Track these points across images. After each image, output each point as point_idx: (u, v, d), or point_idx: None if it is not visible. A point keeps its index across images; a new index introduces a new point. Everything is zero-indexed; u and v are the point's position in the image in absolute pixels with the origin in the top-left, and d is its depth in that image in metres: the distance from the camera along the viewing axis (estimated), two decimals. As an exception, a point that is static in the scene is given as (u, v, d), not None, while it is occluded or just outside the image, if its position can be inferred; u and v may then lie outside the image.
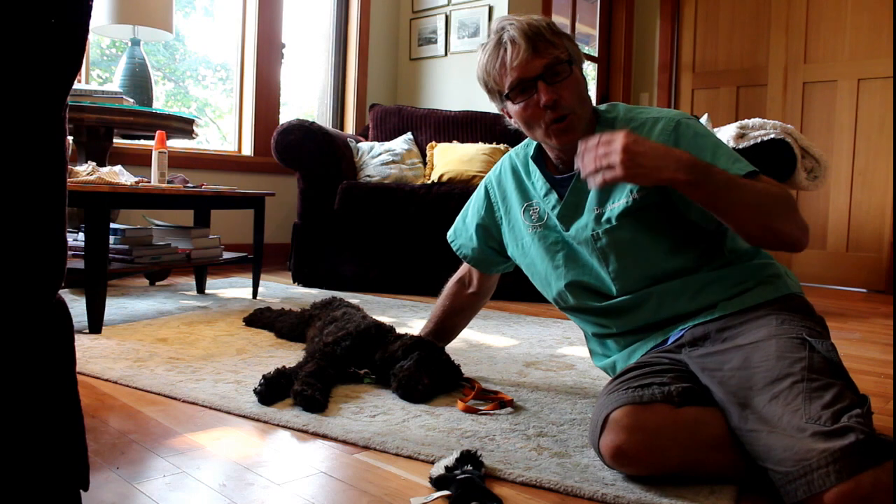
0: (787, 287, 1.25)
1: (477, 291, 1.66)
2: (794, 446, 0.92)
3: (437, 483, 1.03)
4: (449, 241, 1.65)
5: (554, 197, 1.36)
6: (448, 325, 1.72)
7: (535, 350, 2.03)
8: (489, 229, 1.54)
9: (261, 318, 2.20)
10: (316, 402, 1.37)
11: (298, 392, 1.38)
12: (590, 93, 1.35)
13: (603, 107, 1.36)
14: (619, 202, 1.26)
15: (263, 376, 1.45)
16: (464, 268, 1.67)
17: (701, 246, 1.27)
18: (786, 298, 1.23)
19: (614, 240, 1.28)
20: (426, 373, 1.48)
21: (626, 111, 1.33)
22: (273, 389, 1.42)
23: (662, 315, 1.28)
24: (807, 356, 1.05)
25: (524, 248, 1.45)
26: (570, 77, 1.25)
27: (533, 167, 1.41)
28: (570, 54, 1.26)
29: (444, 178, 3.32)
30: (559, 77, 1.24)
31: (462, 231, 1.61)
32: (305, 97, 4.64)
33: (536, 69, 1.23)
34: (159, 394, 1.47)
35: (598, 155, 1.10)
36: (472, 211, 1.58)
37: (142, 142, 3.47)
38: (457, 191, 3.09)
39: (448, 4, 4.34)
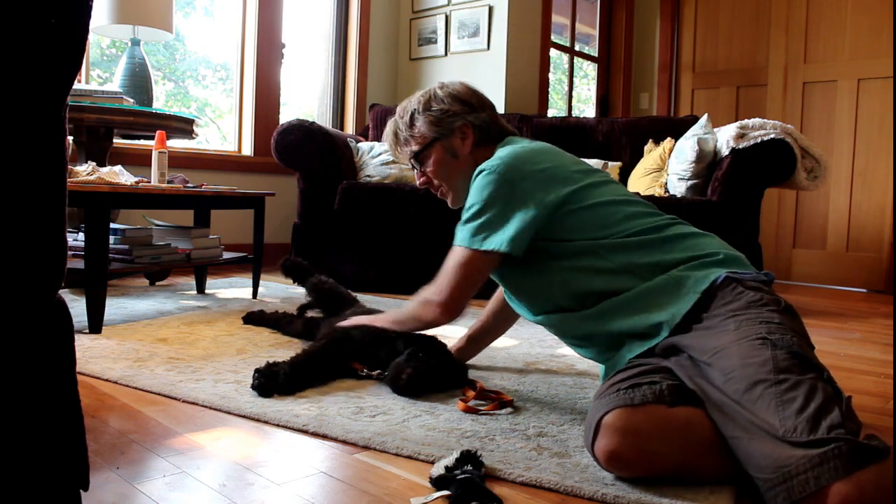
0: (704, 281, 1.22)
1: None
2: (772, 453, 0.92)
3: (437, 483, 1.03)
4: None
5: None
6: (492, 321, 1.77)
7: (535, 350, 2.03)
8: None
9: (263, 319, 2.22)
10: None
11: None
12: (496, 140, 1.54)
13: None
14: None
15: (256, 370, 1.48)
16: None
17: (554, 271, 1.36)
18: (723, 289, 1.19)
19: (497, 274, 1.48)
20: (413, 365, 1.50)
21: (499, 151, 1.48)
22: (271, 380, 1.46)
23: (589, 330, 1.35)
24: (770, 356, 1.02)
25: None
26: (429, 161, 1.53)
27: None
28: (430, 138, 1.51)
29: (444, 178, 3.31)
30: (417, 164, 1.56)
31: None
32: (305, 97, 4.64)
33: (405, 159, 1.59)
34: (159, 394, 1.48)
35: None
36: None
37: (142, 142, 3.46)
38: (457, 191, 3.09)
39: (448, 4, 4.34)
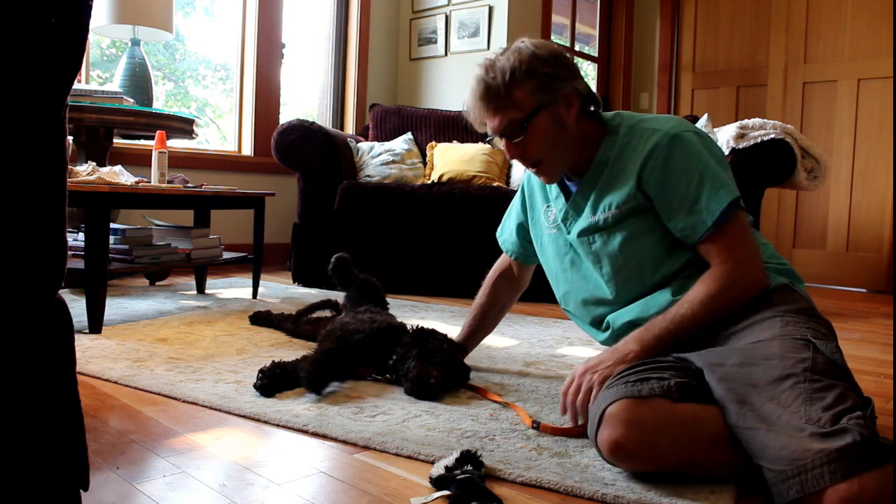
0: (775, 280, 1.27)
1: (518, 281, 1.74)
2: (790, 445, 0.92)
3: (437, 483, 1.03)
4: (497, 236, 1.73)
5: (562, 201, 1.43)
6: (490, 316, 1.76)
7: (535, 350, 2.03)
8: (524, 226, 1.62)
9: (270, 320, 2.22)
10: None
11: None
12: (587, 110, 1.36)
13: (609, 115, 1.40)
14: (611, 210, 1.32)
15: (260, 370, 1.48)
16: (502, 262, 1.74)
17: (692, 250, 1.29)
18: (780, 294, 1.24)
19: (606, 243, 1.33)
20: (438, 367, 1.48)
21: (629, 119, 1.37)
22: (274, 381, 1.46)
23: None
24: (810, 356, 1.05)
25: (542, 247, 1.53)
26: (532, 131, 1.30)
27: None
28: (535, 104, 1.29)
29: (444, 178, 3.31)
30: (518, 135, 1.31)
31: (506, 227, 1.70)
32: (305, 97, 4.65)
33: (497, 128, 1.33)
34: (159, 394, 1.48)
35: (573, 400, 1.24)
36: (514, 208, 1.67)
37: (142, 142, 3.47)
38: (457, 191, 3.09)
39: (448, 4, 4.34)
